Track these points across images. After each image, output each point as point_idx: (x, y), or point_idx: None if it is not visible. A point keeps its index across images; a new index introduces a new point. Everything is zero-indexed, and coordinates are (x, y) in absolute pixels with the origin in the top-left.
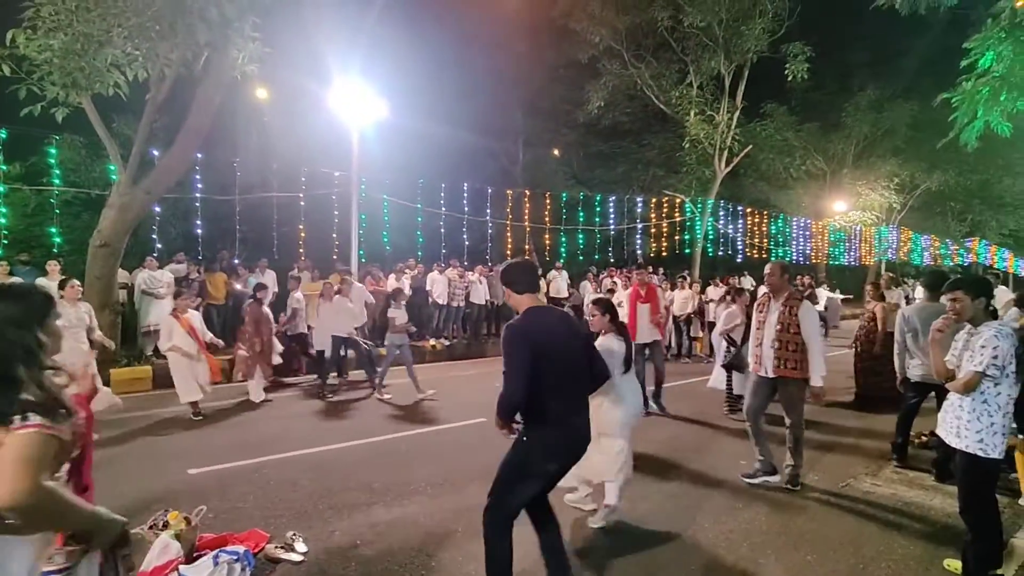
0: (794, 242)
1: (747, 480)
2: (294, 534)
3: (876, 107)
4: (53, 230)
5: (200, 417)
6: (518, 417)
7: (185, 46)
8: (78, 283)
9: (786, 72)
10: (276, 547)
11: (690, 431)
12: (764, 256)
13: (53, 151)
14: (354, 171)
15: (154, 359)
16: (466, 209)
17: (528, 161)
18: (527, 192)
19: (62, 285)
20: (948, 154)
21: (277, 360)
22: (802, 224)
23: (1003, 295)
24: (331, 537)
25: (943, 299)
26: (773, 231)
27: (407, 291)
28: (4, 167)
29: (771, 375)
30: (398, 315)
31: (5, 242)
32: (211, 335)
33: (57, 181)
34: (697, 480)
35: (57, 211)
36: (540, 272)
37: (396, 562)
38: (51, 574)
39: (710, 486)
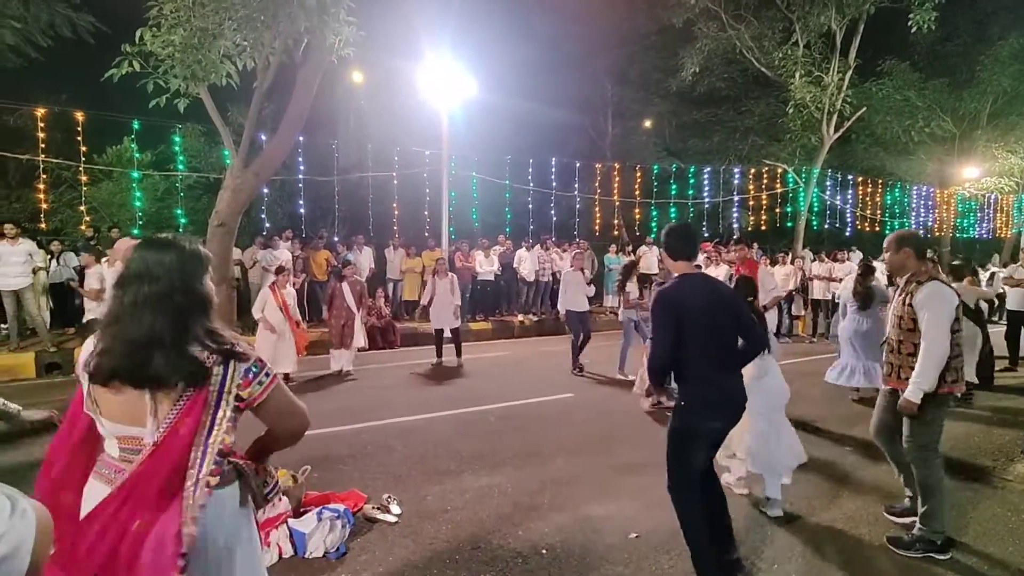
0: (914, 213)
1: (891, 517)
2: (390, 496)
3: (1020, 57)
4: (179, 211)
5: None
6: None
7: (287, 34)
8: None
9: (909, 23)
10: (373, 507)
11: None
12: (877, 229)
13: (177, 139)
14: (444, 149)
15: None
16: (554, 184)
17: (617, 134)
18: (616, 165)
19: None
20: None
21: (360, 340)
22: (924, 193)
23: None
24: (423, 501)
25: None
26: (889, 201)
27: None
28: (138, 155)
29: (886, 385)
30: (632, 289)
31: (141, 223)
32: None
33: (181, 167)
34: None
35: (181, 194)
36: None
37: (484, 528)
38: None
39: (828, 463)
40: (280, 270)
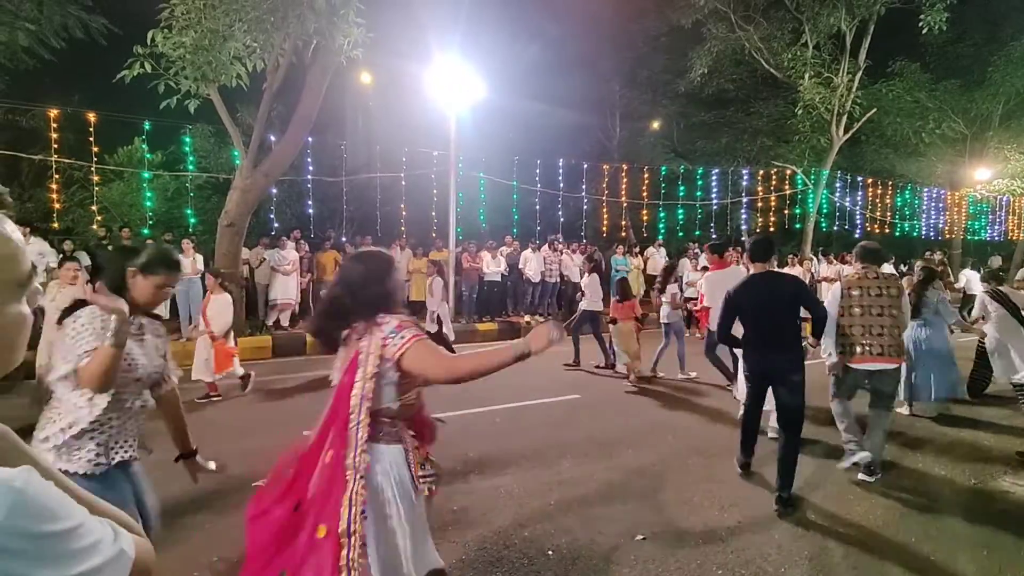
0: (924, 215)
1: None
2: None
3: None
4: (189, 211)
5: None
6: None
7: (296, 35)
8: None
9: (920, 24)
10: None
11: None
12: (887, 231)
13: (188, 140)
14: (452, 150)
15: (273, 330)
16: (561, 185)
17: (625, 135)
18: (624, 167)
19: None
20: None
21: None
22: (934, 195)
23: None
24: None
25: None
26: (899, 203)
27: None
28: (149, 156)
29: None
30: (675, 290)
31: (151, 223)
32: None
33: (191, 167)
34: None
35: (191, 194)
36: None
37: (491, 529)
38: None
39: (823, 469)
40: (216, 274)
